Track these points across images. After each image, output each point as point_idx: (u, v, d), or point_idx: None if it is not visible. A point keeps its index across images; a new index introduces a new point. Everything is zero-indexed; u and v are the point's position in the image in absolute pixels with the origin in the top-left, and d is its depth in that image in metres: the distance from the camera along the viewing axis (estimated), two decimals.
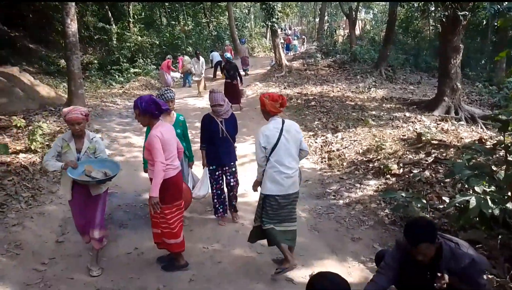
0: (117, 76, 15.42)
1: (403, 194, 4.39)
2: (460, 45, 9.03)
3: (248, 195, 5.34)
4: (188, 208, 4.52)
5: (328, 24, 26.41)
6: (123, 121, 9.50)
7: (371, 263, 3.71)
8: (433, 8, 8.94)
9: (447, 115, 8.87)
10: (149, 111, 3.27)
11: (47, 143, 6.41)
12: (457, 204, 3.62)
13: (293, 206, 3.59)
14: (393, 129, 7.75)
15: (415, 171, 5.43)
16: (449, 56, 9.02)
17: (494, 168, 3.89)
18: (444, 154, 5.77)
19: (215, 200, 4.65)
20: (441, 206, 4.53)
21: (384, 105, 10.32)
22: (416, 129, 7.41)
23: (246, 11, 31.59)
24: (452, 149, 5.91)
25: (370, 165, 6.18)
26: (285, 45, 24.16)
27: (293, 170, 3.46)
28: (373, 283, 2.63)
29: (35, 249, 3.95)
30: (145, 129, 4.24)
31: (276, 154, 3.41)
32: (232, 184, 4.57)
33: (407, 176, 5.44)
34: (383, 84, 13.38)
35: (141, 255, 4.00)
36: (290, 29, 40.37)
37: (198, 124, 4.79)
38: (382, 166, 5.85)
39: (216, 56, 16.53)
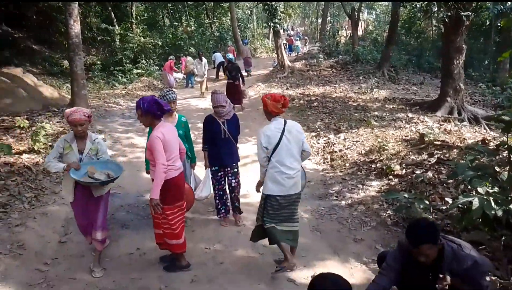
0: (120, 77, 15.47)
1: (406, 195, 4.37)
2: (463, 45, 9.01)
3: (250, 196, 5.34)
4: (191, 209, 4.52)
5: (330, 24, 26.42)
6: (126, 121, 9.53)
7: (373, 264, 3.70)
8: (435, 9, 8.91)
9: (450, 116, 8.85)
10: (151, 111, 3.28)
11: (50, 143, 6.43)
12: (460, 205, 3.60)
13: (294, 206, 3.59)
14: (396, 130, 7.73)
15: (417, 172, 5.42)
16: (452, 56, 9.00)
17: (497, 169, 3.87)
18: (447, 155, 5.75)
19: (217, 201, 4.65)
20: (444, 207, 4.51)
21: (386, 105, 10.30)
22: (419, 129, 7.39)
23: (249, 12, 31.65)
24: (455, 150, 5.89)
25: (373, 166, 6.16)
26: (287, 46, 24.18)
27: (295, 170, 3.45)
28: (374, 284, 2.62)
29: (37, 249, 3.96)
30: (147, 129, 4.25)
31: (277, 154, 3.41)
32: (233, 185, 4.57)
33: (409, 177, 5.42)
34: (386, 85, 13.36)
35: (143, 256, 4.01)
36: (292, 29, 40.36)
37: (201, 125, 4.79)
38: (384, 167, 5.84)
39: (218, 57, 16.55)
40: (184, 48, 20.68)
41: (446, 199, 4.64)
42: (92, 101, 10.89)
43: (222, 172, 4.55)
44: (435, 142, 6.26)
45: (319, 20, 33.38)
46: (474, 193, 3.64)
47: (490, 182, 3.50)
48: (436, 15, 8.77)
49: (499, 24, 14.14)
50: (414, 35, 21.54)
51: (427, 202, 4.30)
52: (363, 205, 5.09)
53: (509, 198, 3.41)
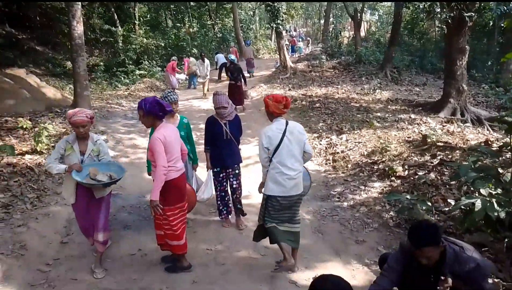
0: (122, 78, 15.50)
1: (408, 197, 4.36)
2: (466, 46, 8.98)
3: (251, 197, 5.34)
4: (192, 210, 4.52)
5: (333, 25, 26.35)
6: (128, 122, 9.54)
7: (375, 266, 3.68)
8: (438, 10, 8.89)
9: (452, 117, 8.82)
10: (153, 112, 3.28)
11: (52, 144, 6.45)
12: (462, 207, 3.59)
13: (296, 208, 3.58)
14: (398, 131, 7.71)
15: (420, 173, 5.40)
16: (455, 57, 8.97)
17: (500, 170, 3.85)
18: (449, 156, 5.72)
19: (219, 202, 4.65)
20: (447, 209, 4.50)
21: (389, 106, 10.28)
22: (422, 131, 7.36)
23: (251, 13, 31.67)
24: (458, 151, 5.86)
25: (375, 167, 6.14)
26: (290, 47, 24.17)
27: (296, 171, 3.45)
28: (375, 285, 2.61)
29: (39, 250, 3.97)
30: (149, 130, 4.25)
31: (278, 155, 3.41)
32: (234, 186, 4.56)
33: (412, 178, 5.40)
34: (388, 86, 13.33)
35: (144, 257, 4.01)
36: (295, 30, 40.34)
37: (203, 126, 4.80)
38: (387, 168, 5.82)
39: (221, 58, 16.57)
40: (186, 49, 20.71)
41: (449, 200, 4.62)
42: (94, 102, 10.92)
43: (224, 174, 4.55)
44: (437, 143, 6.24)
45: (322, 21, 33.32)
46: (476, 194, 3.62)
47: (493, 183, 3.48)
48: (439, 16, 8.74)
49: (502, 24, 14.09)
50: (417, 36, 21.48)
51: (429, 203, 4.29)
52: (365, 206, 5.08)
53: None
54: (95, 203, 3.57)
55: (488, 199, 3.25)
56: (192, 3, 25.17)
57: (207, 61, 13.56)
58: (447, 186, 4.97)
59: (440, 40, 18.06)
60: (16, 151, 5.86)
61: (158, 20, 24.95)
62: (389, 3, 25.74)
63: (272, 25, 16.11)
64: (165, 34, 22.43)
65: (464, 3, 8.30)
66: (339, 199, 5.46)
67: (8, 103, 8.53)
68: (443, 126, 7.89)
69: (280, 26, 15.70)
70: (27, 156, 5.93)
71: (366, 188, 5.61)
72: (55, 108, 9.17)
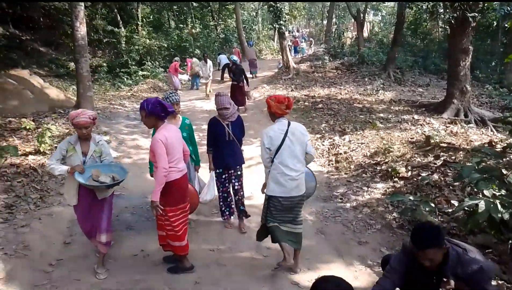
0: (125, 79, 15.53)
1: (411, 198, 4.35)
2: (469, 47, 8.94)
3: (254, 198, 5.33)
4: (195, 211, 4.52)
5: (336, 26, 26.35)
6: (131, 123, 9.57)
7: (378, 267, 3.67)
8: (441, 10, 8.85)
9: (456, 118, 8.78)
10: (155, 112, 3.28)
11: (55, 145, 6.47)
12: (466, 208, 3.57)
13: (298, 209, 3.58)
14: (401, 132, 7.69)
15: (423, 174, 5.38)
16: (458, 58, 8.93)
17: (504, 171, 3.83)
18: (453, 157, 5.70)
19: (221, 203, 4.65)
20: (450, 210, 4.48)
21: (392, 107, 10.25)
22: (425, 131, 7.34)
23: (254, 13, 31.71)
24: (461, 152, 5.84)
25: (378, 168, 6.13)
26: (292, 48, 24.19)
27: (298, 172, 3.44)
28: (378, 286, 2.60)
29: (42, 250, 3.98)
30: (152, 131, 4.26)
31: (280, 155, 3.41)
32: (236, 188, 4.55)
33: (415, 179, 5.38)
34: (391, 87, 13.29)
35: (147, 257, 4.01)
36: (297, 31, 40.34)
37: (206, 127, 4.80)
38: (390, 169, 5.80)
39: (223, 59, 16.57)
40: (189, 50, 20.74)
41: (452, 201, 4.60)
42: (97, 102, 10.94)
43: (226, 175, 4.54)
44: (441, 144, 6.21)
45: (325, 22, 33.35)
46: (480, 195, 3.61)
47: (496, 185, 3.47)
48: (442, 16, 8.70)
49: (506, 25, 14.01)
50: (420, 36, 21.41)
51: (432, 204, 4.27)
52: (368, 207, 5.06)
53: None
54: (97, 204, 3.58)
55: (491, 200, 3.23)
56: (194, 4, 25.21)
57: (209, 62, 13.57)
58: (451, 187, 4.95)
59: (443, 41, 17.99)
60: (19, 152, 5.89)
61: (161, 21, 25.01)
62: (392, 4, 25.67)
63: (274, 25, 16.11)
64: (168, 35, 22.47)
65: (468, 4, 8.26)
66: (341, 200, 5.45)
67: (12, 104, 8.57)
68: (447, 127, 7.85)
69: (283, 27, 15.70)
70: (31, 157, 5.96)
71: (369, 189, 5.59)
72: (58, 109, 9.21)
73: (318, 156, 7.23)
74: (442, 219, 4.38)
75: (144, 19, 22.05)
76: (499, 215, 3.11)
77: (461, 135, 6.96)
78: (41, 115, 8.48)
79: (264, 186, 3.68)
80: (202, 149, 4.99)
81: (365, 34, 26.18)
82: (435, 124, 8.11)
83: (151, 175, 4.23)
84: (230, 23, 27.21)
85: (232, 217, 4.74)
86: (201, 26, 24.54)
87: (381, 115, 9.21)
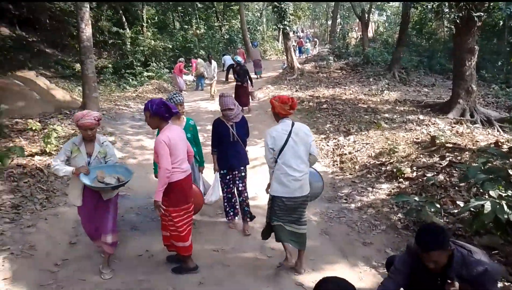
0: (130, 80, 15.63)
1: (416, 198, 4.33)
2: (475, 46, 8.88)
3: (258, 199, 5.33)
4: (199, 211, 4.53)
5: (340, 26, 26.31)
6: (136, 124, 9.61)
7: (383, 268, 3.65)
8: (447, 10, 8.80)
9: (462, 118, 8.73)
10: (160, 113, 3.30)
11: (61, 145, 6.51)
12: (471, 209, 3.55)
13: (302, 209, 3.57)
14: (407, 132, 7.65)
15: (428, 175, 5.35)
16: (464, 57, 8.87)
17: (510, 172, 3.80)
18: (458, 158, 5.66)
19: (226, 204, 4.66)
20: (455, 211, 4.45)
21: (397, 107, 10.21)
22: (430, 132, 7.29)
23: (258, 14, 31.73)
24: (467, 153, 5.80)
25: (383, 168, 6.10)
26: (297, 48, 24.15)
27: (301, 173, 3.43)
28: (382, 287, 2.59)
29: (48, 250, 4.01)
30: (156, 132, 4.27)
31: (283, 156, 3.41)
32: (240, 189, 4.54)
33: (420, 180, 5.35)
34: (396, 87, 13.24)
35: (151, 258, 4.03)
36: (302, 31, 40.23)
37: (210, 127, 4.80)
38: (395, 170, 5.78)
39: (228, 59, 16.61)
40: (194, 51, 20.82)
41: (458, 202, 4.57)
42: (103, 103, 11.00)
43: (231, 176, 4.55)
44: (446, 145, 6.17)
45: (329, 22, 33.24)
46: (486, 196, 3.58)
47: (502, 185, 3.44)
48: (447, 16, 8.65)
49: None
50: (425, 36, 21.30)
51: (438, 205, 4.25)
52: (372, 208, 5.04)
53: None
54: (102, 204, 3.59)
55: (497, 201, 3.21)
56: (199, 5, 25.31)
57: (214, 63, 13.60)
58: (456, 188, 4.92)
59: (448, 40, 17.87)
60: (25, 153, 5.93)
61: (165, 22, 25.14)
62: (397, 4, 25.57)
63: (279, 26, 16.10)
64: (173, 36, 22.57)
65: (473, 3, 8.21)
66: (346, 200, 5.43)
67: (18, 105, 8.64)
68: (452, 127, 7.81)
69: (287, 27, 15.70)
70: (37, 157, 6.01)
71: (374, 189, 5.57)
72: (64, 109, 9.27)
73: (323, 156, 7.21)
74: (447, 220, 4.35)
75: (149, 20, 22.17)
76: (505, 216, 3.08)
77: (466, 135, 6.91)
78: (47, 116, 8.54)
79: (269, 186, 3.69)
80: (207, 149, 5.01)
81: (370, 34, 26.08)
82: (440, 124, 8.07)
83: (156, 176, 4.24)
84: (234, 24, 27.28)
85: (236, 217, 4.74)
86: (205, 27, 24.64)
87: (386, 115, 9.18)
